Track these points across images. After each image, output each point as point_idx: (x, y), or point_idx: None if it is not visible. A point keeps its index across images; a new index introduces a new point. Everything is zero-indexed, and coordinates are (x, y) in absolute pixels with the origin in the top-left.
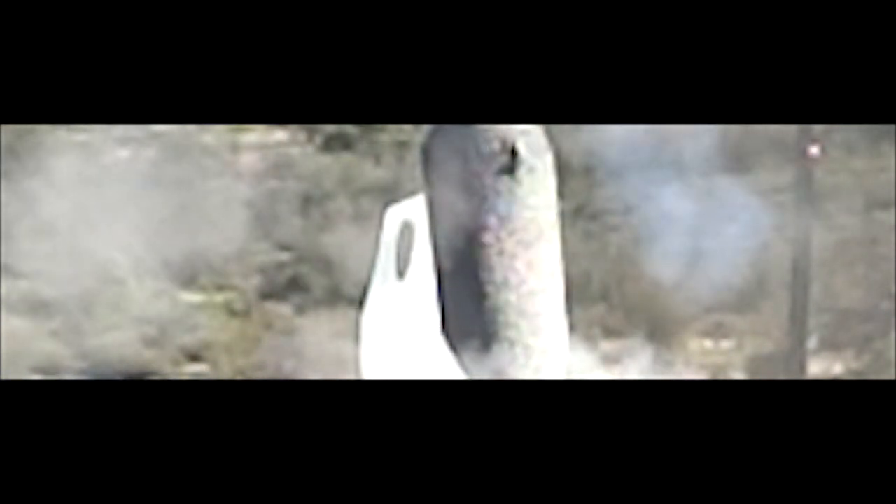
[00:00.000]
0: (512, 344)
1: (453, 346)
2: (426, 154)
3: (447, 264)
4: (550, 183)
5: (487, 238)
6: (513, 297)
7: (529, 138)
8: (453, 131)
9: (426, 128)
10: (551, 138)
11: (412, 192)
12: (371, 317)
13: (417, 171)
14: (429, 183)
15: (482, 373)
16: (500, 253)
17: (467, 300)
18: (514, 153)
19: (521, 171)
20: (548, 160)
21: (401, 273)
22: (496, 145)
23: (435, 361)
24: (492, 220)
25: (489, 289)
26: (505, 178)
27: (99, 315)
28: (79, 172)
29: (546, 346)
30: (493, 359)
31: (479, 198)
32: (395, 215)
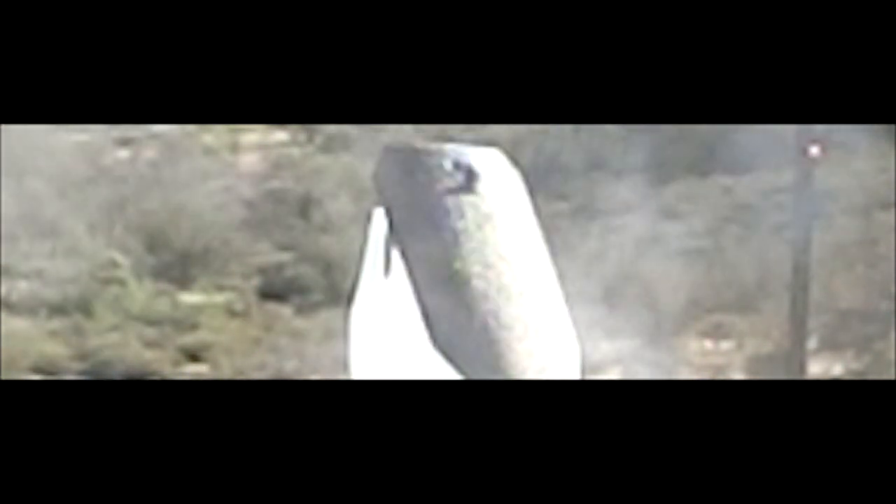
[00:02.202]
0: (512, 352)
1: (447, 356)
2: (378, 180)
3: (425, 283)
4: (519, 196)
5: (460, 253)
6: (499, 306)
7: (486, 156)
8: (401, 154)
9: (378, 155)
10: (515, 157)
11: None
12: (359, 315)
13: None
14: (388, 208)
15: (481, 376)
16: (482, 266)
17: (455, 313)
18: (469, 171)
19: (481, 188)
20: (512, 175)
21: (387, 270)
22: (448, 165)
23: (423, 358)
24: (458, 237)
25: (472, 302)
26: (464, 196)
27: (99, 315)
28: (79, 172)
29: (549, 348)
30: (494, 365)
31: (439, 216)
32: (383, 215)
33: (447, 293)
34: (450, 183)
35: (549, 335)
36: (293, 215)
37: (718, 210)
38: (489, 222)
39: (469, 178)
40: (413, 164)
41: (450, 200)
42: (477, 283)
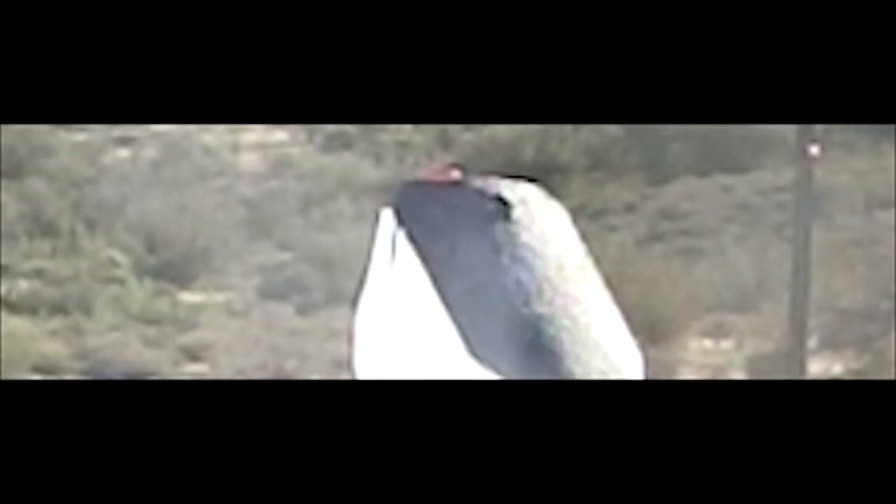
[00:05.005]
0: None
1: (490, 362)
2: (401, 216)
3: (460, 307)
4: (561, 225)
5: (500, 280)
6: (546, 323)
7: (518, 188)
8: (422, 188)
9: (394, 192)
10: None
11: None
12: (366, 315)
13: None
14: (415, 244)
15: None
16: (523, 287)
17: (497, 330)
18: (501, 200)
19: (514, 214)
20: (552, 206)
21: (392, 267)
22: (473, 193)
23: (433, 353)
24: (493, 264)
25: (519, 320)
26: (500, 226)
27: (99, 315)
28: (79, 172)
29: (610, 359)
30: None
31: (479, 248)
32: (391, 215)
33: (486, 315)
34: (479, 211)
35: (608, 348)
36: (293, 215)
37: (718, 210)
38: (525, 247)
39: (499, 205)
40: (436, 197)
41: (479, 228)
42: (520, 304)
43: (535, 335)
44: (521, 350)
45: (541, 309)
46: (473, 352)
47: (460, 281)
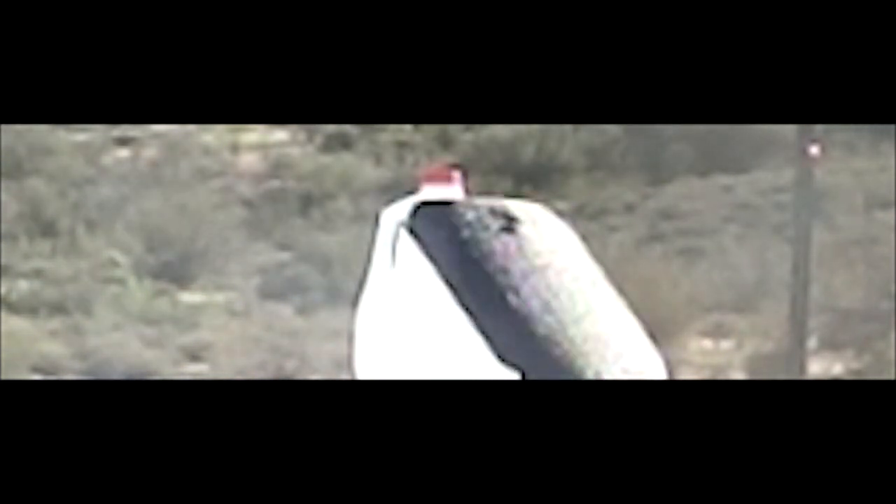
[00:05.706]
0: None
1: (518, 366)
2: (419, 236)
3: (482, 315)
4: (568, 239)
5: (519, 289)
6: (565, 326)
7: (524, 206)
8: (436, 209)
9: (408, 208)
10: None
11: (411, 192)
12: (366, 316)
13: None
14: (434, 261)
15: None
16: (540, 295)
17: (520, 334)
18: (508, 216)
19: (524, 229)
20: (557, 223)
21: (392, 267)
22: (483, 212)
23: (435, 353)
24: (508, 274)
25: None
26: (507, 237)
27: (99, 315)
28: (79, 172)
29: (633, 360)
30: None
31: (484, 258)
32: (391, 216)
33: (508, 322)
34: (491, 227)
35: (630, 352)
36: (293, 215)
37: (718, 210)
38: (538, 258)
39: (508, 222)
40: (449, 217)
41: (493, 243)
42: (540, 310)
43: (559, 338)
44: (546, 354)
45: (561, 314)
46: (500, 356)
47: (481, 293)
